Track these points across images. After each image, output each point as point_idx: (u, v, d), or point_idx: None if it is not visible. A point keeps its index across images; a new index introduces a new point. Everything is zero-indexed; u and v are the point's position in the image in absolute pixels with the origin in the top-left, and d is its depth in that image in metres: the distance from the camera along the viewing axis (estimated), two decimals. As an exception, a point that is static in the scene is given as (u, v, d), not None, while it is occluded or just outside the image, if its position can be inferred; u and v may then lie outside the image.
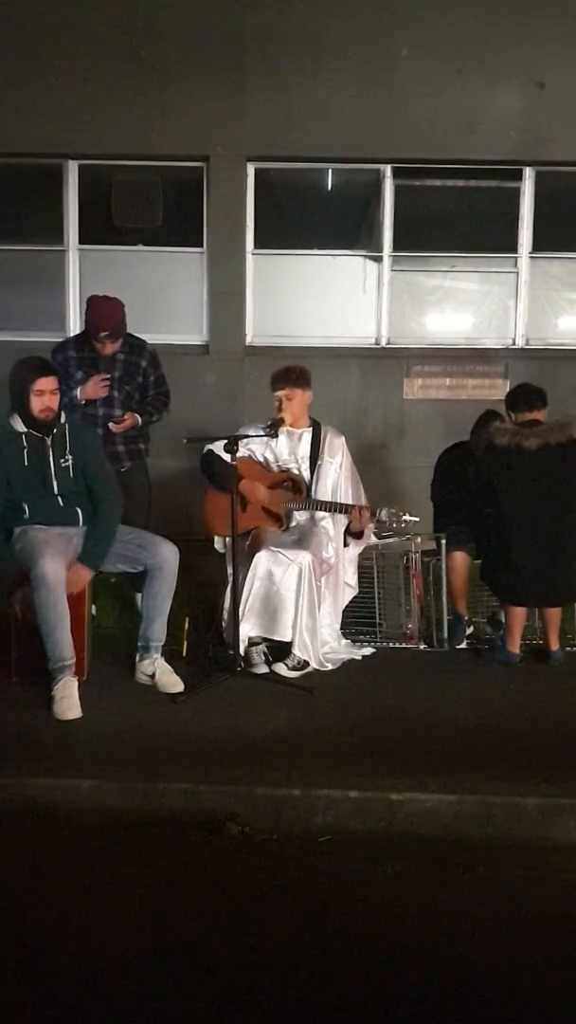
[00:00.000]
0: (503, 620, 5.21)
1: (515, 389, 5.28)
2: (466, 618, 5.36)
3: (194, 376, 7.45)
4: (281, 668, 4.70)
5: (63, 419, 4.49)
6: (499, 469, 4.87)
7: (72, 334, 7.54)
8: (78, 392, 5.16)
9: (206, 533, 5.13)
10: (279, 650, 4.77)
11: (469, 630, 5.39)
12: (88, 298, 5.34)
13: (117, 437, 5.26)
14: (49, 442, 4.44)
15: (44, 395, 4.37)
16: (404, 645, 5.28)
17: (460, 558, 5.28)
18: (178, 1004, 2.47)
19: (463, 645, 5.28)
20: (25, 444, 4.41)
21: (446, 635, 5.27)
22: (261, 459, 5.07)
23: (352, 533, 5.01)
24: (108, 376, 5.20)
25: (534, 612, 5.29)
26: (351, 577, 5.12)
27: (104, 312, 5.20)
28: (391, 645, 5.27)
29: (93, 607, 5.00)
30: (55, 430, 4.44)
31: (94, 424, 5.18)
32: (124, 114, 7.37)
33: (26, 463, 4.41)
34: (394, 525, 4.91)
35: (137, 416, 5.27)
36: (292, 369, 5.02)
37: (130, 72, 7.35)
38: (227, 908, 2.93)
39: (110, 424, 5.20)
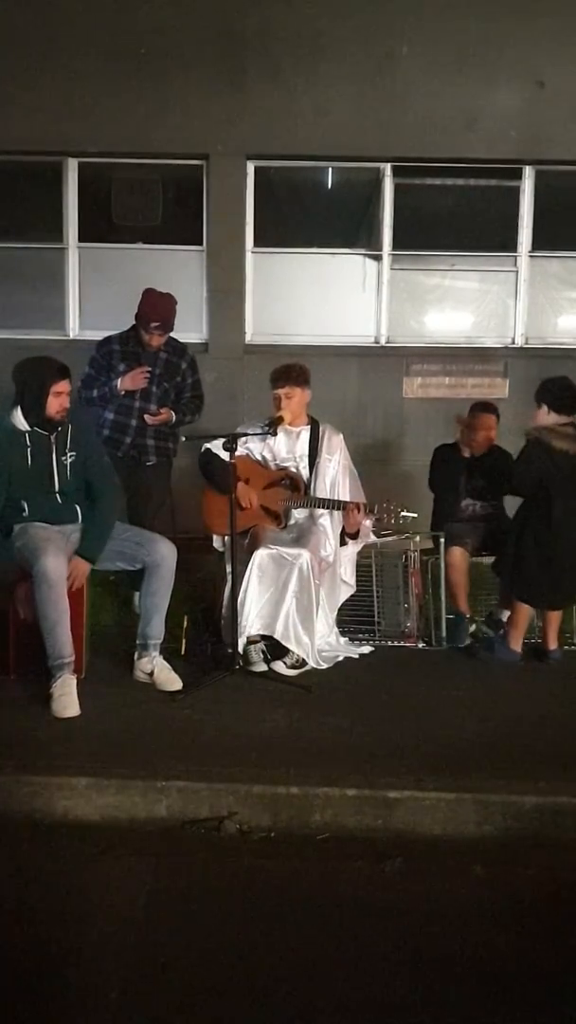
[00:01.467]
0: (502, 619, 5.21)
1: (566, 385, 5.02)
2: (468, 616, 5.34)
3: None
4: (279, 666, 4.70)
5: (66, 418, 4.49)
6: (554, 472, 4.81)
7: (72, 331, 7.60)
8: (118, 383, 5.26)
9: (205, 531, 5.13)
10: (277, 648, 4.77)
11: (472, 628, 5.37)
12: (144, 290, 5.45)
13: (148, 431, 5.36)
14: (53, 439, 4.44)
15: (61, 396, 4.39)
16: (403, 644, 5.28)
17: (459, 554, 5.27)
18: (176, 1002, 2.47)
19: (466, 643, 5.25)
20: (28, 442, 4.41)
21: (445, 634, 5.27)
22: (259, 457, 5.07)
23: (347, 534, 5.00)
24: (150, 369, 5.31)
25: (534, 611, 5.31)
26: (349, 575, 5.12)
27: (159, 304, 5.36)
28: (390, 643, 5.27)
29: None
30: (59, 428, 4.44)
31: (128, 415, 5.30)
32: (124, 112, 7.36)
33: (29, 461, 4.41)
34: (393, 521, 4.90)
35: (172, 413, 5.37)
36: (293, 367, 5.02)
37: (130, 70, 7.35)
38: (224, 906, 2.94)
39: (146, 416, 5.31)
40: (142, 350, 5.37)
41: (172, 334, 5.49)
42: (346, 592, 5.13)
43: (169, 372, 5.43)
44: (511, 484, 5.12)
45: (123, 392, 5.30)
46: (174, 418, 5.41)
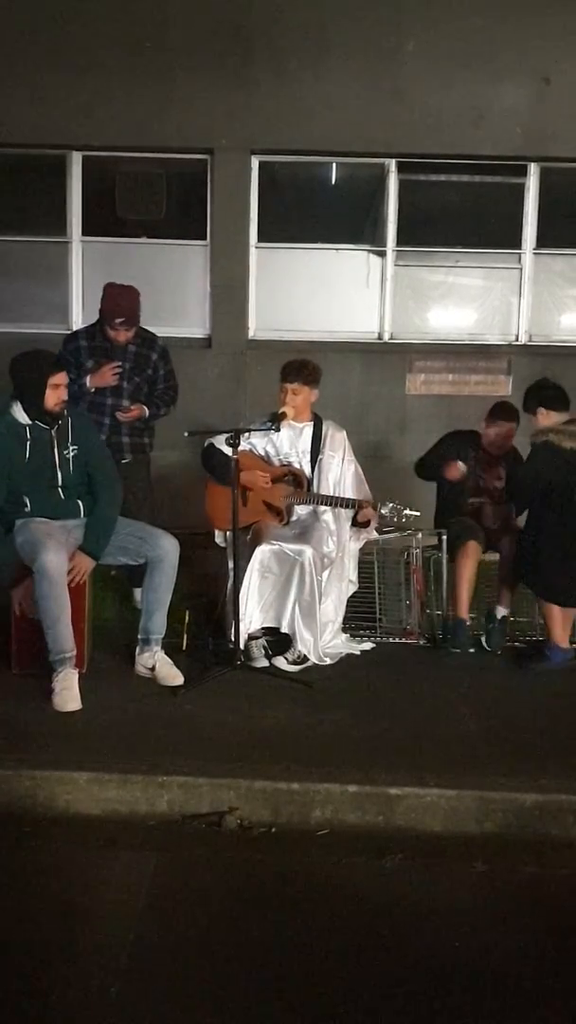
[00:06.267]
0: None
1: (556, 387, 5.06)
2: (465, 619, 5.12)
3: (196, 369, 7.42)
4: (281, 662, 4.71)
5: (66, 411, 4.48)
6: (566, 472, 4.77)
7: (75, 325, 7.58)
8: (88, 380, 5.17)
9: (207, 527, 5.13)
10: (279, 644, 4.78)
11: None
12: (105, 285, 5.34)
13: (123, 428, 5.26)
14: (53, 433, 4.44)
15: (59, 388, 4.39)
16: (404, 640, 5.28)
17: (475, 548, 5.11)
18: (175, 998, 2.48)
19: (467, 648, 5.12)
20: (28, 436, 4.41)
21: (486, 640, 5.16)
22: (262, 452, 5.06)
23: (359, 523, 4.98)
24: (120, 364, 5.20)
25: (535, 607, 5.29)
26: (352, 572, 5.12)
27: (121, 299, 5.23)
28: (391, 640, 5.27)
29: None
30: (60, 422, 4.44)
31: (101, 413, 5.20)
32: (129, 105, 7.35)
33: (28, 455, 4.41)
34: (395, 520, 4.91)
35: (144, 408, 5.27)
36: (307, 365, 4.98)
37: (135, 63, 7.33)
38: (225, 901, 2.94)
39: (117, 413, 5.20)
40: (110, 345, 5.23)
41: (143, 325, 5.34)
42: (350, 589, 5.13)
43: (140, 365, 5.29)
44: (510, 488, 5.12)
45: (93, 390, 5.15)
46: (147, 413, 5.28)
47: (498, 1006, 2.50)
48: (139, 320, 5.29)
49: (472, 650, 5.12)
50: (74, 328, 7.54)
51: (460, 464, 5.25)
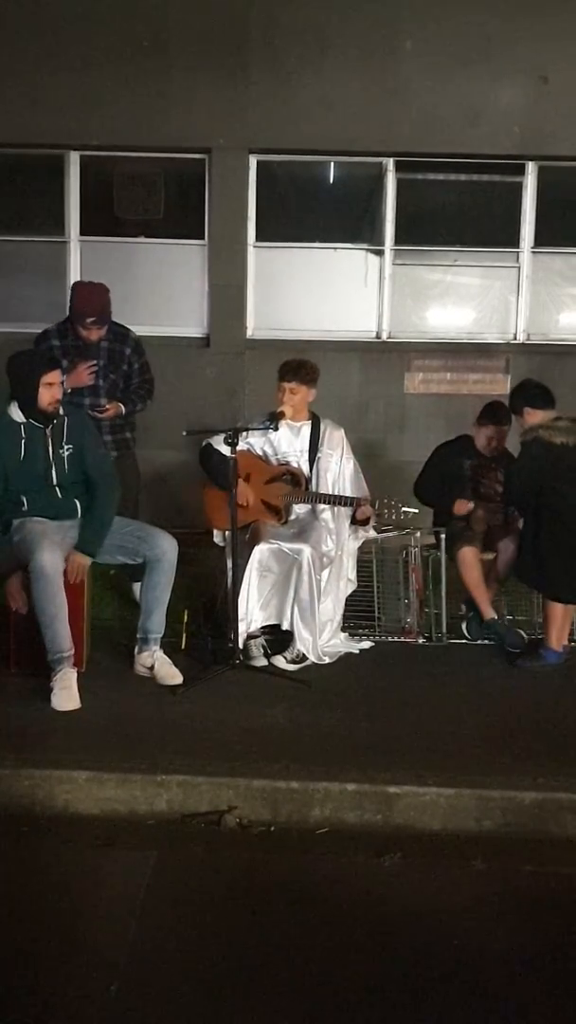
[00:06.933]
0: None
1: (539, 386, 5.11)
2: (495, 619, 5.16)
3: (194, 369, 7.44)
4: (279, 661, 4.71)
5: (61, 410, 4.48)
6: (559, 466, 4.79)
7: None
8: (63, 381, 5.13)
9: (205, 526, 5.13)
10: (277, 643, 4.78)
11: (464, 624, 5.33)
12: (73, 284, 5.31)
13: (103, 426, 5.21)
14: (48, 432, 4.44)
15: (53, 387, 4.39)
16: (403, 639, 5.28)
17: (471, 553, 5.13)
18: (174, 997, 2.48)
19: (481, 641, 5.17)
20: (24, 435, 4.41)
21: (467, 630, 5.21)
22: (260, 452, 5.07)
23: (358, 521, 4.99)
24: (95, 363, 5.16)
25: (536, 605, 5.30)
26: (351, 571, 5.12)
27: (90, 297, 5.19)
28: (390, 639, 5.27)
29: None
30: (55, 420, 4.44)
31: None
32: (127, 105, 7.35)
33: (24, 454, 4.41)
34: (393, 517, 4.91)
35: (121, 405, 5.23)
36: (306, 365, 4.99)
37: (133, 63, 7.33)
38: (224, 900, 2.94)
39: (92, 412, 5.13)
40: (83, 343, 5.18)
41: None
42: (348, 588, 5.13)
43: (114, 361, 5.25)
44: (507, 487, 5.14)
45: (69, 390, 5.06)
46: (124, 410, 5.24)
47: (497, 1005, 2.50)
48: (110, 317, 5.25)
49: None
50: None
51: (469, 503, 5.32)
